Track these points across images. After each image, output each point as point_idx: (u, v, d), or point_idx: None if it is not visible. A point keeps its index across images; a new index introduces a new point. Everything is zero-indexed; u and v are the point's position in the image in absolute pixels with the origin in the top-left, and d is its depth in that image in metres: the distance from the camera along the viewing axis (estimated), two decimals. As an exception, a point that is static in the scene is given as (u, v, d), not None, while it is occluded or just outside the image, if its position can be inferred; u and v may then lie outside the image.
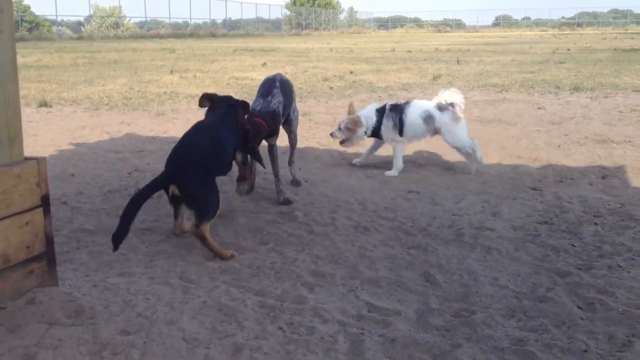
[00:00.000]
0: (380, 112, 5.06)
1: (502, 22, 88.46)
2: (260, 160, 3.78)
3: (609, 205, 4.08)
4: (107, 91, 10.14)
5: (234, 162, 3.61)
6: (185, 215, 3.17)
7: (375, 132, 5.05)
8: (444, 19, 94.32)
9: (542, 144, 6.04)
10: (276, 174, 4.20)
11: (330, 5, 75.39)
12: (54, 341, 2.22)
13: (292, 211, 3.91)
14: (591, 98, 9.33)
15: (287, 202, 4.10)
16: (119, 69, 14.67)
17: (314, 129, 6.88)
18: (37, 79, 11.98)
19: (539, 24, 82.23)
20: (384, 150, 5.27)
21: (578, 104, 8.71)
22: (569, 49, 23.04)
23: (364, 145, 5.34)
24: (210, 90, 8.94)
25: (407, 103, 5.15)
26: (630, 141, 6.07)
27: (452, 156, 5.54)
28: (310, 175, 4.78)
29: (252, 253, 3.22)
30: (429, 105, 5.11)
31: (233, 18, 59.95)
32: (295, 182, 4.54)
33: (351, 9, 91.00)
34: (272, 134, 4.10)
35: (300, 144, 4.75)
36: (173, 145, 5.33)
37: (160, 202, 4.08)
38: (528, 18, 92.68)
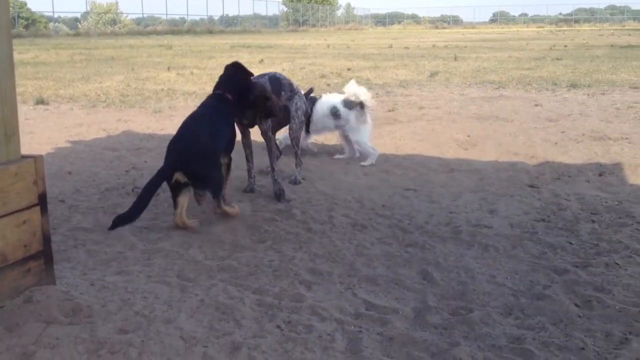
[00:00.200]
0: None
1: (499, 18, 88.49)
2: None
3: (606, 202, 4.08)
4: (104, 88, 10.13)
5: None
6: (186, 204, 3.45)
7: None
8: (442, 15, 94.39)
9: (539, 141, 6.05)
10: (270, 164, 4.22)
11: (328, 1, 75.31)
12: (52, 340, 2.22)
13: (290, 209, 3.91)
14: (588, 95, 9.34)
15: (281, 192, 4.14)
16: (116, 65, 14.64)
17: (312, 126, 6.85)
18: (33, 75, 11.95)
19: (536, 20, 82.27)
20: (381, 149, 5.27)
21: (575, 101, 8.72)
22: (566, 46, 23.06)
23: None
24: (207, 87, 8.93)
25: (318, 97, 5.39)
26: (627, 138, 6.08)
27: (450, 153, 5.55)
28: (308, 173, 4.78)
29: (249, 251, 3.22)
30: (337, 100, 5.31)
31: (230, 14, 59.94)
32: (293, 181, 4.54)
33: (348, 5, 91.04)
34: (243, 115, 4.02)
35: (298, 141, 4.75)
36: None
37: (157, 201, 4.08)
38: (525, 14, 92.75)
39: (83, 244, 3.31)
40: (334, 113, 5.25)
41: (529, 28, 62.52)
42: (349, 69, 13.75)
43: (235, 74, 3.90)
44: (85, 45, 24.89)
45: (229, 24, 56.60)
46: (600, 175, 4.77)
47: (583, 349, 2.27)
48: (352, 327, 2.43)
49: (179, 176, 3.42)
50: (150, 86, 10.53)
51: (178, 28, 46.55)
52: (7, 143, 2.46)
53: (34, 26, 41.32)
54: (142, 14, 49.30)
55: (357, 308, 2.59)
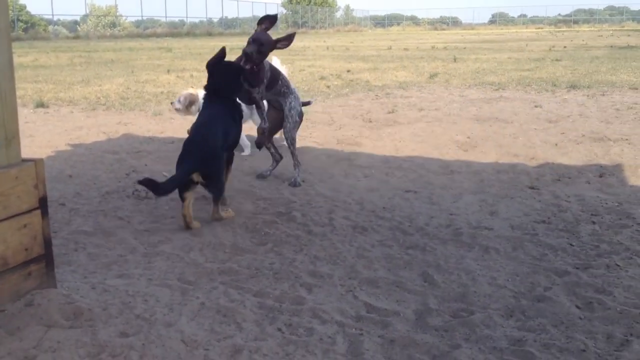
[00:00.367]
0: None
1: (498, 19, 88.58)
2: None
3: (607, 203, 4.08)
4: (104, 91, 10.13)
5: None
6: (192, 199, 3.59)
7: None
8: (441, 16, 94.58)
9: (539, 142, 6.05)
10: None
11: (327, 3, 75.37)
12: (53, 343, 2.22)
13: (290, 211, 3.91)
14: (588, 96, 9.35)
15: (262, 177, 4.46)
16: (116, 68, 14.65)
17: (311, 128, 6.87)
18: (33, 79, 11.96)
19: (535, 21, 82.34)
20: (379, 149, 5.27)
21: (575, 102, 8.72)
22: (565, 47, 23.08)
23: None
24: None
25: None
26: (627, 139, 6.08)
27: (450, 155, 5.55)
28: (308, 175, 4.78)
29: (250, 254, 3.22)
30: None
31: (229, 17, 59.96)
32: (292, 183, 4.54)
33: (347, 6, 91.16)
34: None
35: (297, 143, 4.75)
36: (170, 145, 5.31)
37: (158, 204, 4.08)
38: (524, 15, 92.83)
39: (84, 247, 3.31)
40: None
41: (528, 29, 62.57)
42: (348, 71, 13.76)
43: (224, 72, 4.04)
44: (84, 48, 24.91)
45: (228, 26, 56.66)
46: (600, 176, 4.77)
47: (584, 350, 2.27)
48: (353, 329, 2.43)
49: (195, 176, 3.52)
50: (150, 89, 10.54)
51: (177, 30, 46.60)
52: (7, 147, 2.46)
53: (33, 29, 41.32)
54: (142, 16, 49.36)
55: (358, 310, 2.59)
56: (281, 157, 4.86)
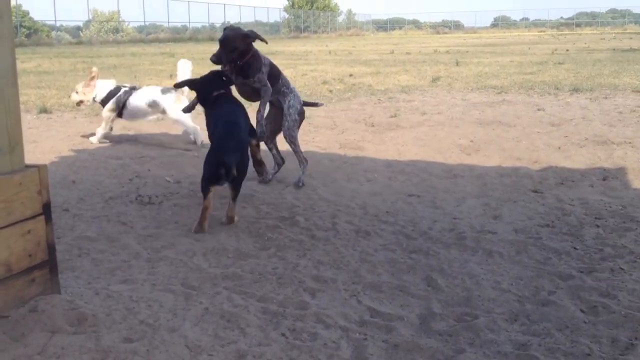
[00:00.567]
0: (116, 90, 6.19)
1: (500, 23, 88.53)
2: None
3: (610, 207, 4.08)
4: (107, 96, 10.13)
5: None
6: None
7: (104, 102, 6.18)
8: (443, 20, 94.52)
9: (542, 145, 6.04)
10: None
11: (329, 7, 75.49)
12: (57, 349, 2.22)
13: (293, 216, 3.91)
14: (590, 99, 9.34)
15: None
16: (119, 74, 14.67)
17: (314, 132, 6.88)
18: (36, 84, 11.98)
19: (538, 24, 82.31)
20: (375, 152, 5.26)
21: (577, 105, 8.72)
22: (567, 50, 23.07)
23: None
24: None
25: (134, 88, 6.27)
26: (630, 142, 6.07)
27: (453, 159, 5.55)
28: (311, 180, 4.78)
29: (253, 259, 3.22)
30: (155, 91, 6.18)
31: (232, 21, 60.01)
32: (297, 182, 4.57)
33: (349, 11, 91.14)
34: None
35: (300, 147, 4.75)
36: (173, 150, 5.31)
37: (161, 209, 4.09)
38: (526, 19, 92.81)
39: (87, 252, 3.31)
40: (152, 103, 6.09)
41: (531, 32, 62.58)
42: (350, 75, 13.78)
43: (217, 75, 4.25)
44: (87, 53, 24.97)
45: (231, 31, 56.61)
46: (604, 179, 4.76)
47: (589, 355, 2.27)
48: (357, 334, 2.43)
49: (235, 171, 3.60)
50: (152, 94, 10.53)
51: (180, 36, 46.67)
52: (11, 153, 2.46)
53: (36, 35, 41.42)
54: (144, 22, 49.43)
55: (361, 315, 2.59)
56: (283, 161, 4.86)
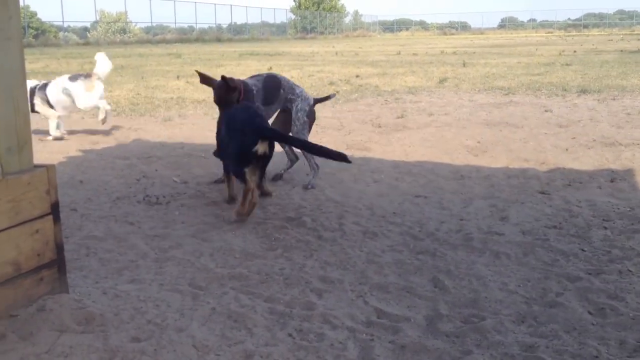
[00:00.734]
0: (32, 90, 6.34)
1: (507, 24, 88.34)
2: None
3: (618, 209, 4.06)
4: (114, 97, 10.18)
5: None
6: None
7: (32, 107, 6.31)
8: (450, 21, 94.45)
9: (549, 147, 6.03)
10: None
11: (335, 8, 75.52)
12: (65, 349, 2.23)
13: (300, 217, 3.91)
14: (598, 100, 9.31)
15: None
16: (126, 74, 14.73)
17: (321, 133, 6.88)
18: (44, 85, 12.02)
19: (545, 25, 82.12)
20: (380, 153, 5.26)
21: (585, 107, 8.69)
22: (575, 51, 23.00)
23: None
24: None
25: (47, 83, 6.53)
26: (638, 144, 6.05)
27: (460, 160, 5.54)
28: (318, 181, 4.78)
29: (260, 259, 3.22)
30: (64, 80, 6.50)
31: (238, 22, 60.20)
32: (306, 186, 4.59)
33: (356, 12, 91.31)
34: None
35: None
36: (180, 150, 5.33)
37: (168, 209, 4.10)
38: (534, 20, 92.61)
39: (95, 252, 3.32)
40: (65, 91, 6.43)
41: (538, 33, 62.46)
42: (357, 76, 13.78)
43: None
44: (94, 54, 25.01)
45: (237, 32, 56.85)
46: (611, 181, 4.74)
47: (597, 357, 2.26)
48: (364, 335, 2.43)
49: (264, 146, 3.74)
50: (159, 94, 10.58)
51: (187, 36, 46.80)
52: (19, 152, 2.48)
53: (43, 35, 41.59)
54: (151, 22, 49.57)
55: (368, 316, 2.59)
56: (297, 158, 4.92)
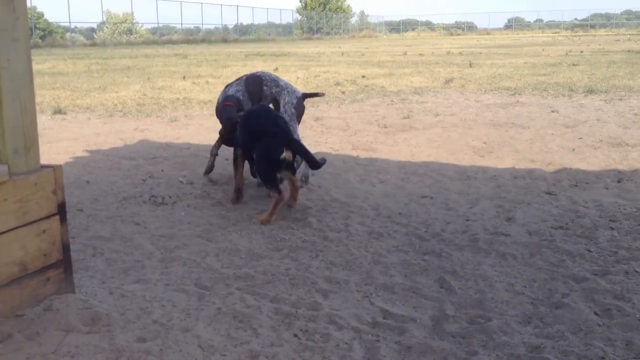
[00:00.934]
0: None
1: (514, 24, 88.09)
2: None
3: (625, 209, 4.05)
4: (121, 98, 10.21)
5: None
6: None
7: None
8: (456, 21, 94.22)
9: (556, 147, 6.01)
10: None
11: (342, 9, 75.51)
12: (71, 348, 2.23)
13: (306, 217, 3.91)
14: (605, 101, 9.28)
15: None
16: (132, 75, 14.76)
17: (326, 134, 6.88)
18: (51, 85, 12.08)
19: (552, 26, 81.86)
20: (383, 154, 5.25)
21: (592, 107, 8.66)
22: (582, 51, 22.93)
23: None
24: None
25: None
26: (645, 144, 6.02)
27: (466, 160, 5.53)
28: (323, 181, 4.78)
29: (266, 259, 3.23)
30: None
31: (244, 23, 60.21)
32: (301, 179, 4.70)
33: (362, 12, 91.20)
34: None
35: (312, 149, 4.76)
36: (187, 151, 5.34)
37: (174, 210, 4.11)
38: (540, 20, 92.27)
39: (101, 252, 3.33)
40: None
41: (544, 34, 62.30)
42: (363, 77, 13.77)
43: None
44: (101, 55, 25.13)
45: (244, 33, 56.90)
46: (618, 181, 4.73)
47: (603, 358, 2.25)
48: (370, 335, 2.43)
49: (289, 153, 3.84)
50: (166, 95, 10.61)
51: (193, 37, 46.86)
52: (26, 153, 2.49)
53: (50, 36, 41.71)
54: (158, 23, 49.65)
55: (374, 317, 2.59)
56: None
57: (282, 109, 4.67)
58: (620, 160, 5.41)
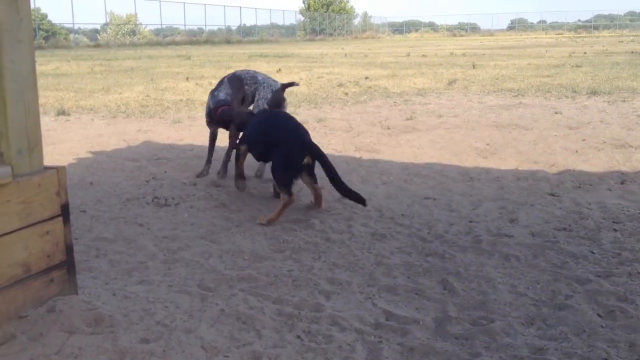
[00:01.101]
0: None
1: (517, 25, 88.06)
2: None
3: (629, 211, 4.04)
4: (124, 99, 10.23)
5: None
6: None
7: None
8: (459, 22, 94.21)
9: (559, 149, 6.00)
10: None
11: (345, 10, 75.53)
12: (74, 350, 2.24)
13: (309, 219, 3.92)
14: (609, 102, 9.26)
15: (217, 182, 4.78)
16: (136, 76, 14.79)
17: (329, 135, 6.88)
18: (55, 87, 12.11)
19: (555, 27, 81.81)
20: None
21: (595, 108, 8.65)
22: (585, 53, 22.90)
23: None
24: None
25: None
26: (649, 146, 6.01)
27: (469, 162, 5.53)
28: (326, 182, 4.77)
29: (269, 261, 3.23)
30: None
31: (247, 24, 60.32)
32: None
33: (365, 13, 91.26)
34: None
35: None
36: (190, 152, 5.35)
37: (177, 211, 4.11)
38: (544, 21, 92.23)
39: (105, 253, 3.34)
40: None
41: (548, 35, 62.24)
42: (366, 78, 13.77)
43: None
44: (105, 56, 25.18)
45: (247, 34, 56.96)
46: (622, 183, 4.72)
47: (606, 359, 2.25)
48: (372, 337, 2.43)
49: (309, 159, 3.94)
50: (169, 96, 10.62)
51: (196, 38, 46.91)
52: (30, 154, 2.49)
53: (54, 37, 41.81)
54: (161, 24, 49.76)
55: (377, 318, 2.59)
56: None
57: (255, 103, 4.82)
58: (623, 162, 5.40)
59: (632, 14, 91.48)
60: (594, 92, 10.31)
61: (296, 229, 3.72)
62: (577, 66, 16.07)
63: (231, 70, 4.55)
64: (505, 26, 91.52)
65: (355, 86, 12.08)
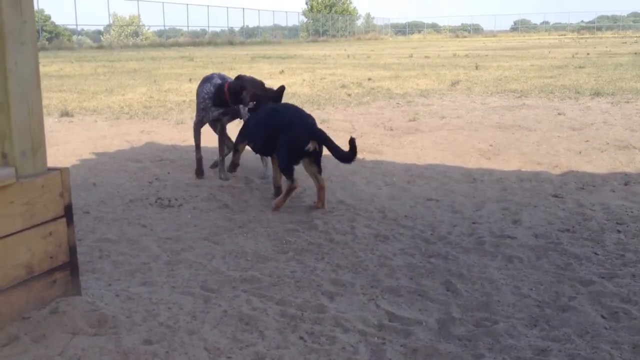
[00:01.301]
0: None
1: (520, 26, 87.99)
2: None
3: (632, 212, 4.03)
4: (127, 100, 10.24)
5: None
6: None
7: None
8: (462, 24, 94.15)
9: (562, 150, 5.99)
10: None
11: (347, 11, 75.54)
12: (78, 351, 2.24)
13: (312, 220, 3.91)
14: (612, 103, 9.25)
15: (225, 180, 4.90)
16: (139, 77, 14.81)
17: (332, 136, 6.85)
18: (58, 88, 12.13)
19: (558, 28, 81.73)
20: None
21: (599, 110, 8.63)
22: (588, 53, 22.87)
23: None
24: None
25: None
26: (652, 147, 6.00)
27: (472, 163, 5.52)
28: (329, 183, 4.78)
29: (272, 262, 3.23)
30: None
31: (250, 25, 60.36)
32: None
33: (368, 15, 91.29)
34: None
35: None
36: (193, 153, 5.36)
37: (180, 212, 4.11)
38: (547, 22, 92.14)
39: (108, 255, 3.34)
40: None
41: (551, 36, 62.19)
42: (369, 79, 13.77)
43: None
44: (108, 57, 25.22)
45: (250, 35, 57.03)
46: (625, 184, 4.71)
47: (610, 361, 2.24)
48: (376, 338, 2.42)
49: (314, 144, 4.09)
50: (172, 98, 10.63)
51: (199, 40, 46.98)
52: (34, 156, 2.50)
53: (57, 39, 41.90)
54: (164, 26, 49.79)
55: (380, 319, 2.59)
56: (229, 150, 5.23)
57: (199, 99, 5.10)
58: (627, 163, 5.39)
59: (635, 15, 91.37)
60: (597, 93, 10.30)
61: (299, 230, 3.72)
62: (580, 67, 16.05)
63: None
64: (508, 27, 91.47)
65: (358, 87, 12.08)
